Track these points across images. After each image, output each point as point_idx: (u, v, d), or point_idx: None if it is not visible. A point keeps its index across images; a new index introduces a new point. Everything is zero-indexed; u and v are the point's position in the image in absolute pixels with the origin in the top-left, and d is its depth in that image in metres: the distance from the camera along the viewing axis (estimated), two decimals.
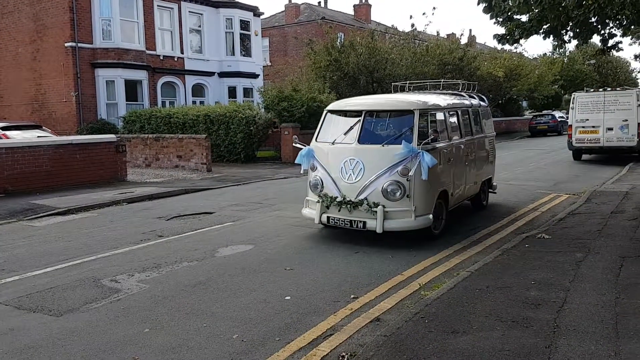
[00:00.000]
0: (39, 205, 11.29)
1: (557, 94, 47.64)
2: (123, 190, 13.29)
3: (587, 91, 20.23)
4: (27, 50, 24.44)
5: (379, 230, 7.43)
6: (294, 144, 8.90)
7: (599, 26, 9.37)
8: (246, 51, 29.86)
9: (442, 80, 11.45)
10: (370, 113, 8.17)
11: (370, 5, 46.81)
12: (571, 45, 41.81)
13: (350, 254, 7.40)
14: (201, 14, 27.88)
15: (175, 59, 26.82)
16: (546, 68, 42.83)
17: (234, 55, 29.00)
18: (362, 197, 7.57)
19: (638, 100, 18.54)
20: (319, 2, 46.89)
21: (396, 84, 11.91)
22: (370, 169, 7.58)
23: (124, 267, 6.97)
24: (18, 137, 14.28)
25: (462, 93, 10.55)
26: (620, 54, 60.45)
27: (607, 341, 4.28)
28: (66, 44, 22.81)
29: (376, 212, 7.45)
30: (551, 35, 9.17)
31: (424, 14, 75.36)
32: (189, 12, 27.28)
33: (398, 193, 7.45)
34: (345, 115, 8.53)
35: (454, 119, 9.16)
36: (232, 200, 12.33)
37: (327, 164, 8.02)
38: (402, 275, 6.49)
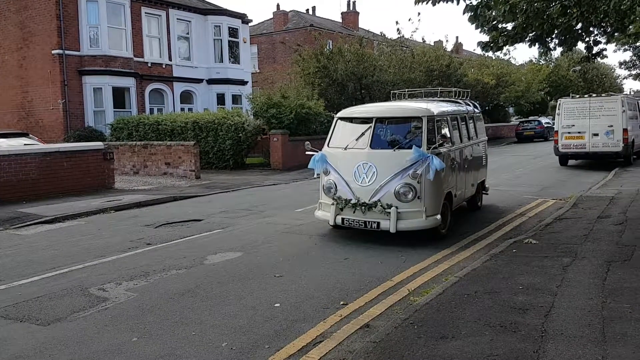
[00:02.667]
0: (26, 213, 11.20)
1: (543, 100, 48.07)
2: (111, 198, 13.22)
3: (572, 97, 20.43)
4: (13, 58, 24.28)
5: (392, 230, 7.84)
6: (306, 151, 9.21)
7: (584, 34, 9.50)
8: (235, 58, 29.86)
9: (440, 88, 11.93)
10: (380, 120, 8.59)
11: (358, 13, 47.05)
12: (557, 52, 42.21)
13: (339, 260, 7.41)
14: (189, 21, 27.87)
15: (164, 66, 26.76)
16: (532, 75, 43.23)
17: (222, 62, 28.99)
18: (375, 199, 7.98)
19: (623, 106, 18.76)
20: (307, 10, 47.07)
21: (395, 91, 12.36)
22: (383, 173, 8.02)
23: (111, 275, 6.92)
24: (4, 145, 14.15)
25: (459, 100, 11.09)
26: (605, 60, 61.09)
27: (594, 345, 4.31)
28: (53, 52, 22.69)
29: (389, 213, 7.86)
30: (537, 43, 9.28)
31: (409, 19, 76.17)
32: (177, 19, 27.26)
33: (410, 195, 7.90)
34: (356, 122, 8.97)
35: (455, 125, 9.66)
36: (221, 207, 12.30)
37: (340, 168, 8.45)
38: (391, 281, 6.51)
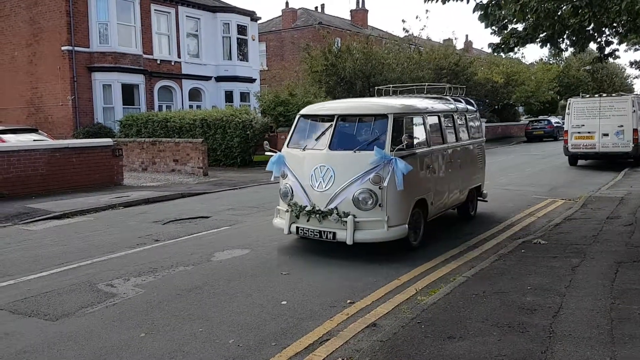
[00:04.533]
0: (35, 209, 11.26)
1: (553, 100, 47.82)
2: (119, 194, 13.27)
3: (583, 97, 20.32)
4: (23, 54, 24.40)
5: (349, 241, 7.07)
6: (265, 151, 8.47)
7: (595, 34, 9.42)
8: (243, 56, 29.88)
9: (427, 84, 10.98)
10: (342, 117, 7.77)
11: (367, 11, 46.96)
12: (568, 53, 42.02)
13: (346, 258, 7.40)
14: (198, 19, 27.90)
15: (172, 63, 26.82)
16: (542, 74, 43.01)
17: (231, 59, 29.01)
18: (332, 206, 7.21)
19: (633, 106, 18.63)
20: (316, 7, 47.01)
21: (380, 87, 11.58)
22: (341, 177, 7.22)
23: (120, 271, 6.95)
24: (13, 140, 14.25)
25: (447, 97, 10.13)
26: (616, 60, 60.64)
27: (602, 346, 4.29)
28: (63, 48, 22.78)
29: (346, 222, 7.10)
30: (548, 44, 9.21)
31: (417, 17, 75.67)
32: (186, 16, 27.30)
33: (369, 202, 7.08)
34: (318, 120, 8.15)
35: (435, 124, 8.78)
36: (228, 204, 12.33)
37: (298, 171, 7.67)
38: (398, 280, 6.50)
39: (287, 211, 7.68)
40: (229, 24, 28.90)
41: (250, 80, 29.90)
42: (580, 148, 19.49)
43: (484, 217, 10.41)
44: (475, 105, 10.96)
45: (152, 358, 4.48)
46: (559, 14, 8.01)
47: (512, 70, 37.24)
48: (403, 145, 7.17)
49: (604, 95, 20.44)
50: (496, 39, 9.28)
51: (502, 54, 9.51)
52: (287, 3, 43.49)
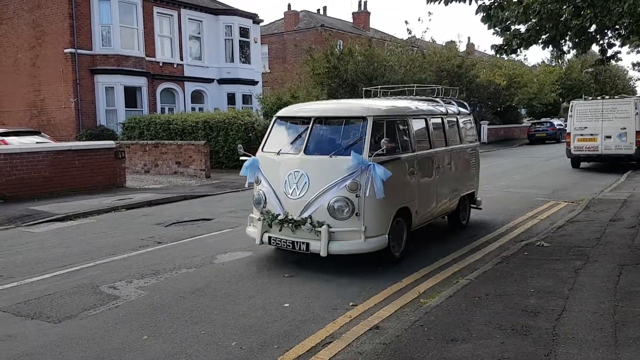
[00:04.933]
0: (38, 211, 11.28)
1: (555, 102, 47.77)
2: (122, 197, 13.28)
3: (585, 99, 20.31)
4: (26, 57, 24.47)
5: (322, 253, 6.56)
6: (240, 157, 7.86)
7: (598, 36, 9.41)
8: (245, 58, 29.93)
9: (416, 85, 10.45)
10: (319, 120, 7.28)
11: (369, 13, 47.00)
12: (570, 55, 41.98)
13: (348, 262, 7.38)
14: (201, 21, 27.96)
15: (175, 66, 26.87)
16: (545, 76, 42.98)
17: (233, 62, 29.07)
18: (306, 214, 6.71)
19: (636, 109, 18.60)
20: (318, 10, 47.07)
21: (368, 89, 11.11)
22: (316, 183, 6.73)
23: (122, 273, 6.96)
24: (16, 143, 14.27)
25: (437, 99, 9.58)
26: (618, 62, 60.51)
27: (606, 349, 4.28)
28: (65, 50, 22.84)
29: (320, 232, 6.59)
30: (550, 45, 9.20)
31: (419, 19, 75.51)
32: (189, 19, 27.36)
33: (346, 211, 6.58)
34: (295, 123, 7.66)
35: (421, 127, 8.30)
36: (230, 206, 12.33)
37: (272, 176, 7.20)
38: (401, 283, 6.49)
39: (259, 219, 7.22)
40: (231, 26, 28.96)
41: (253, 82, 29.94)
42: (582, 150, 19.47)
43: (486, 220, 10.39)
44: (468, 108, 10.45)
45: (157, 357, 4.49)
46: (561, 15, 8.00)
47: (514, 73, 37.19)
48: (383, 150, 6.62)
49: (607, 97, 20.40)
50: (499, 40, 9.26)
51: (504, 55, 9.45)
52: (289, 5, 43.54)
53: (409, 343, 4.50)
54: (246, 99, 29.41)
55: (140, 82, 24.72)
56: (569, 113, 20.01)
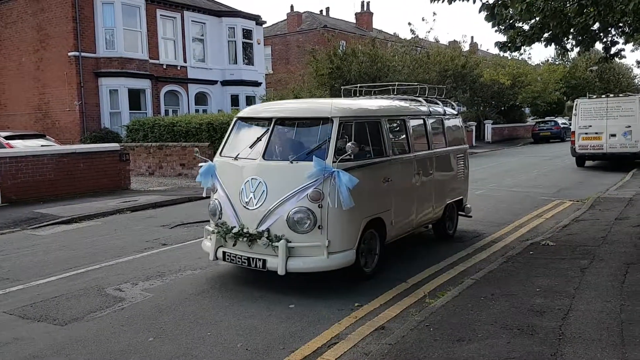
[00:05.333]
0: (43, 214, 11.31)
1: (559, 101, 47.65)
2: (127, 199, 13.31)
3: (590, 98, 20.26)
4: (30, 60, 24.56)
5: (280, 271, 5.84)
6: (197, 160, 7.05)
7: (601, 34, 9.39)
8: (249, 60, 29.97)
9: (397, 83, 9.75)
10: (281, 121, 6.59)
11: (372, 14, 46.99)
12: (574, 53, 41.85)
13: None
14: (204, 23, 28.01)
15: (178, 68, 26.92)
16: (549, 75, 42.89)
17: (236, 63, 29.11)
18: (263, 227, 5.99)
19: None
20: (321, 11, 47.13)
21: (346, 87, 10.54)
22: (275, 192, 6.01)
23: (128, 275, 6.97)
24: (21, 146, 14.32)
25: (420, 98, 8.79)
26: (622, 60, 60.35)
27: (612, 348, 4.26)
28: (69, 54, 22.90)
29: (278, 247, 5.88)
30: (552, 43, 9.18)
31: (423, 19, 75.26)
32: (192, 21, 27.41)
33: (306, 223, 5.86)
34: (257, 124, 6.94)
35: (398, 129, 7.66)
36: None
37: (228, 184, 6.49)
38: (406, 283, 6.48)
39: (213, 232, 6.49)
40: (234, 28, 28.99)
41: (256, 84, 29.98)
42: (587, 149, 19.41)
43: (491, 219, 10.37)
44: (456, 108, 9.66)
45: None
46: (564, 12, 7.98)
47: (518, 72, 37.13)
48: (350, 155, 5.91)
49: (611, 95, 20.35)
50: (502, 38, 9.26)
51: (508, 52, 9.41)
52: (292, 7, 43.60)
53: (415, 343, 4.49)
54: (250, 100, 29.43)
55: (144, 84, 24.78)
56: (574, 112, 19.97)
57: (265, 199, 6.04)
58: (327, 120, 6.29)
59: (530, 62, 44.25)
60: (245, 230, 6.10)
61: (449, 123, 9.00)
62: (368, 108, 7.21)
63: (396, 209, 7.05)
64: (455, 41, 38.02)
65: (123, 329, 5.21)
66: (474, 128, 35.02)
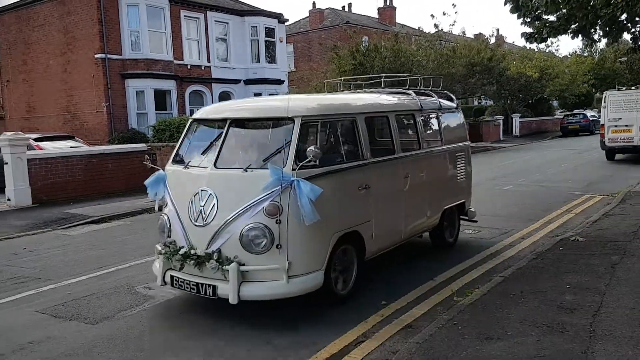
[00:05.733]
0: (73, 214, 11.53)
1: (588, 93, 46.75)
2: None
3: (619, 89, 19.85)
4: (58, 62, 25.00)
5: (232, 300, 4.95)
6: (148, 168, 6.41)
7: (629, 24, 9.20)
8: (271, 58, 30.05)
9: (384, 75, 8.95)
10: (237, 123, 5.70)
11: (394, 8, 46.70)
12: (602, 44, 40.99)
13: (382, 258, 7.34)
14: (227, 23, 28.17)
15: (202, 68, 27.13)
16: (576, 67, 42.10)
17: (259, 62, 29.22)
18: (213, 248, 5.13)
19: None
20: (343, 7, 46.96)
21: (329, 80, 9.40)
22: (227, 206, 5.15)
23: None
24: (51, 147, 14.61)
25: (409, 91, 7.69)
26: None
27: None
28: (96, 56, 23.25)
29: (228, 271, 4.97)
30: (580, 34, 9.02)
31: (444, 13, 74.43)
32: (215, 21, 27.58)
33: (262, 242, 4.99)
34: (211, 126, 6.04)
35: (379, 127, 6.98)
36: None
37: (177, 197, 5.63)
38: (433, 281, 6.44)
39: (160, 253, 5.62)
40: (257, 27, 29.10)
41: (279, 82, 30.05)
42: (617, 142, 19.03)
43: (519, 215, 10.23)
44: (454, 101, 8.63)
45: (194, 358, 4.55)
46: (591, 3, 7.84)
47: (545, 64, 36.52)
48: (313, 161, 5.05)
49: None
50: (529, 29, 9.13)
51: (535, 44, 9.29)
52: (314, 3, 43.61)
53: (443, 342, 4.46)
54: None
55: (170, 85, 25.04)
56: (603, 104, 19.58)
57: (216, 215, 5.17)
58: (288, 121, 5.40)
59: (557, 54, 43.47)
60: (192, 252, 5.24)
61: (446, 118, 7.96)
62: (339, 104, 6.38)
63: (378, 219, 6.13)
64: (480, 34, 37.57)
65: (154, 327, 5.28)
66: (501, 122, 34.55)
